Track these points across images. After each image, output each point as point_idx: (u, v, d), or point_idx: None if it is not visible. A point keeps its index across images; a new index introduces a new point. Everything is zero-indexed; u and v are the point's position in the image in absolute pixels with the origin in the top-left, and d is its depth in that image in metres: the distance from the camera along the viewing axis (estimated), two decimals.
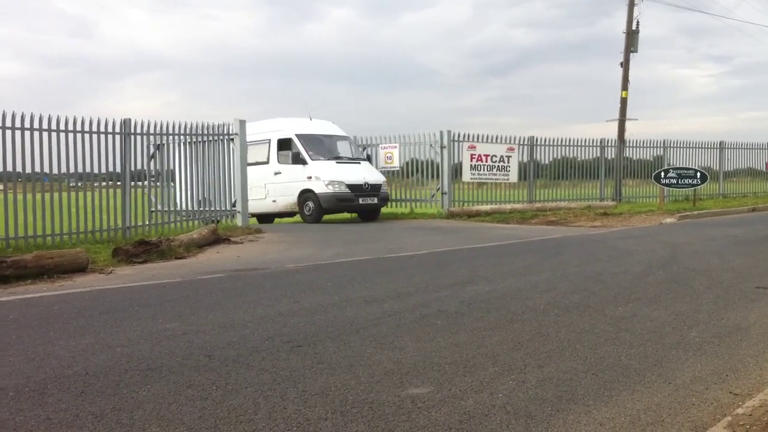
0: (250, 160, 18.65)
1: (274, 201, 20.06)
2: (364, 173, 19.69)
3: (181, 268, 9.59)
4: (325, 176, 18.99)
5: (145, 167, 14.21)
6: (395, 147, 21.73)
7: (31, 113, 11.38)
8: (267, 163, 20.17)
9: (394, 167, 21.95)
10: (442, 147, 20.82)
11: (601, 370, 4.27)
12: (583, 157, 24.06)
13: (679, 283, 7.53)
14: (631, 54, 27.19)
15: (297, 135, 19.69)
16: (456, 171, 21.24)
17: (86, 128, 12.25)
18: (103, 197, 12.68)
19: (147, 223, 13.78)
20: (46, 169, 11.93)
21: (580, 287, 7.33)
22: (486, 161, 21.22)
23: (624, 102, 27.63)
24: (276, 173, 19.93)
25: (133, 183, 13.43)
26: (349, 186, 19.01)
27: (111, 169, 12.97)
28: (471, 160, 21.06)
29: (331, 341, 5.03)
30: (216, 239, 12.88)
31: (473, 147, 21.08)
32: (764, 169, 28.80)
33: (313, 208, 19.20)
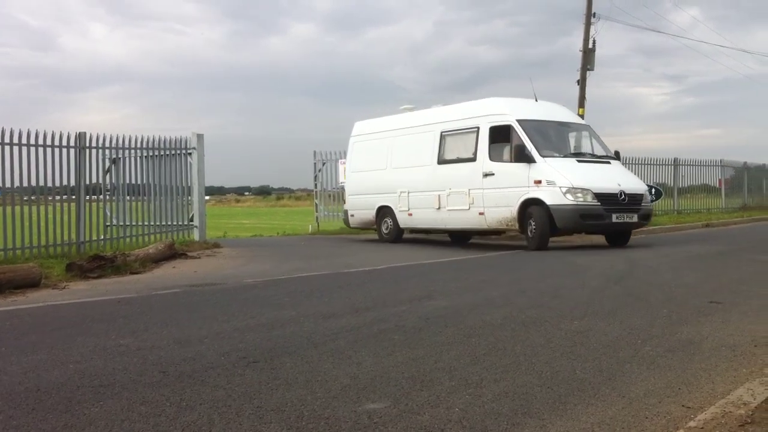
0: (448, 155, 15.59)
1: (481, 213, 14.61)
2: (618, 177, 14.22)
3: (136, 284, 9.47)
4: (561, 180, 13.40)
5: (101, 181, 14.03)
6: None
7: None
8: (473, 160, 14.83)
9: None
10: None
11: (556, 383, 4.29)
12: None
13: (634, 297, 7.63)
14: (588, 72, 27.52)
15: (519, 121, 14.25)
16: None
17: (40, 141, 12.07)
18: (57, 211, 12.48)
19: (102, 237, 13.59)
20: None
21: (536, 302, 7.39)
22: None
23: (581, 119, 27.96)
24: (486, 175, 14.46)
25: (88, 197, 13.25)
26: (598, 196, 13.41)
27: (66, 182, 12.79)
28: None
29: (288, 357, 5.00)
30: (173, 254, 12.75)
31: None
32: (717, 186, 29.37)
33: (540, 225, 13.54)
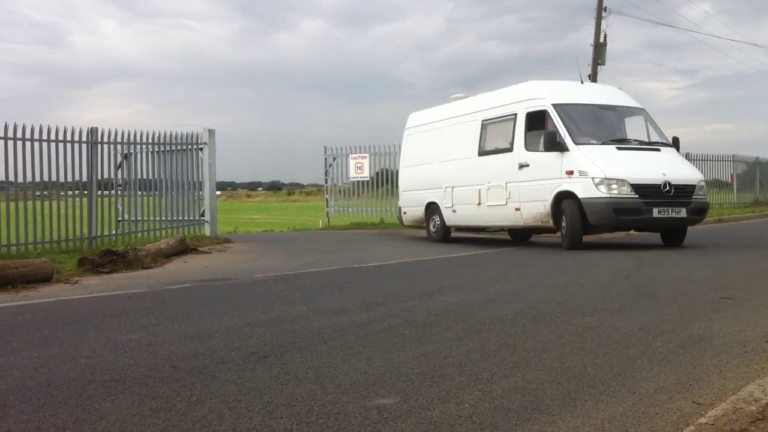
0: (488, 146, 14.51)
1: (517, 209, 13.42)
2: (666, 166, 12.60)
3: (147, 278, 9.50)
4: (594, 170, 12.06)
5: (113, 176, 14.08)
6: (365, 157, 21.74)
7: None
8: (510, 150, 13.67)
9: (364, 177, 21.95)
10: None
11: (566, 379, 4.28)
12: None
13: (644, 293, 7.60)
14: (599, 67, 27.47)
15: (555, 106, 13.00)
16: None
17: (52, 137, 12.13)
18: (69, 206, 12.54)
19: (114, 232, 13.65)
20: (12, 178, 11.79)
21: (547, 297, 7.37)
22: None
23: None
24: (522, 166, 13.27)
25: (99, 192, 13.30)
26: (636, 187, 11.98)
27: (77, 178, 12.84)
28: None
29: (298, 352, 5.01)
30: (184, 249, 12.80)
31: None
32: (729, 181, 29.24)
33: (571, 222, 12.31)
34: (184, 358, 4.88)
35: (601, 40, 27.42)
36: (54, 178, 12.42)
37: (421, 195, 16.59)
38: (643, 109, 14.11)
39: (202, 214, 16.01)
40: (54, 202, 12.43)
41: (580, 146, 12.39)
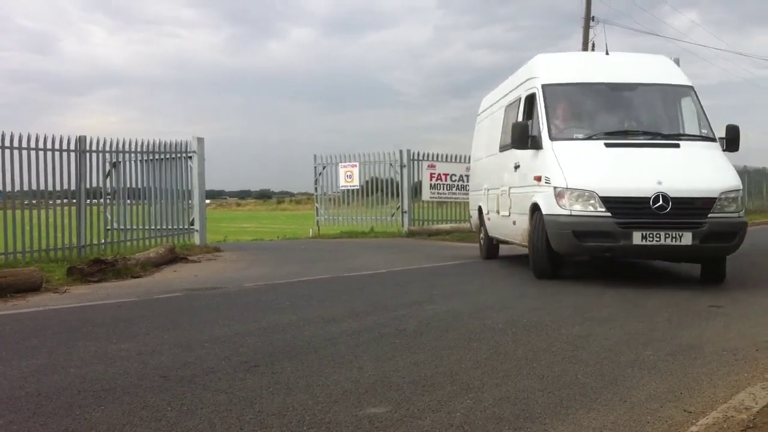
0: (504, 139, 11.41)
1: (514, 222, 10.81)
2: (670, 170, 8.93)
3: (137, 288, 9.47)
4: (557, 177, 9.02)
5: (101, 185, 14.03)
6: (355, 165, 21.73)
7: None
8: (509, 146, 10.78)
9: (354, 186, 21.93)
10: (401, 166, 20.88)
11: (557, 388, 4.29)
12: None
13: (633, 302, 7.62)
14: None
15: (545, 87, 10.06)
16: (416, 190, 21.30)
17: (40, 145, 12.07)
18: (58, 215, 12.48)
19: (103, 241, 13.58)
20: (0, 187, 11.72)
21: (536, 306, 7.39)
22: (446, 180, 21.28)
23: None
24: (516, 167, 10.59)
25: (88, 201, 13.24)
26: (608, 201, 8.62)
27: (66, 186, 12.78)
28: (431, 179, 21.12)
29: (288, 361, 5.00)
30: (173, 258, 12.75)
31: (433, 166, 21.15)
32: None
33: (536, 243, 9.41)
34: (174, 367, 4.86)
35: (589, 48, 27.58)
36: (42, 187, 12.36)
37: (473, 197, 14.46)
38: (686, 87, 10.29)
39: (192, 223, 15.96)
40: (42, 211, 12.36)
41: (554, 142, 9.44)
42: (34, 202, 12.73)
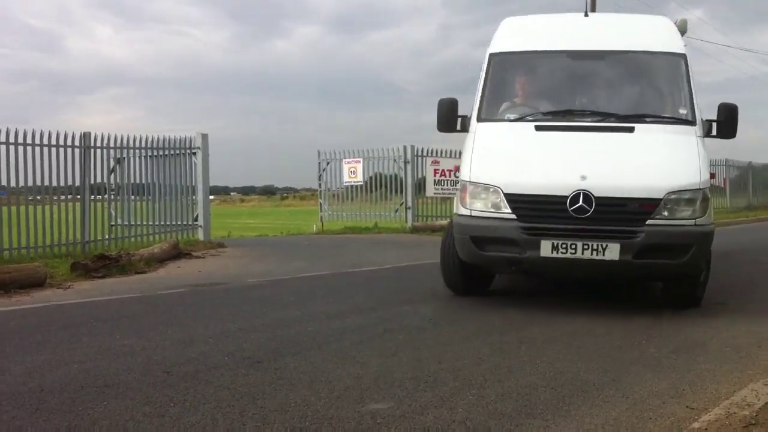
0: None
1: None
2: (606, 161, 6.96)
3: (141, 283, 9.48)
4: (464, 169, 7.40)
5: (106, 181, 14.04)
6: (359, 162, 21.71)
7: None
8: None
9: (357, 182, 21.91)
10: (405, 162, 20.84)
11: (559, 384, 4.29)
12: None
13: (637, 297, 7.61)
14: None
15: (494, 55, 8.19)
16: (420, 186, 21.26)
17: (45, 141, 12.08)
18: (62, 211, 12.49)
19: (107, 237, 13.60)
20: (5, 183, 11.75)
21: (536, 300, 7.38)
22: (450, 176, 21.22)
23: None
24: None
25: (92, 197, 13.26)
26: (513, 199, 6.82)
27: (70, 182, 12.79)
28: (435, 175, 21.06)
29: (291, 357, 5.00)
30: (177, 254, 12.75)
31: (437, 162, 21.11)
32: (721, 185, 29.32)
33: (445, 248, 7.78)
34: (177, 363, 4.86)
35: None
36: (47, 183, 12.37)
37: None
38: (671, 56, 7.98)
39: (196, 219, 15.95)
40: (47, 207, 12.38)
41: (480, 124, 7.71)
42: (38, 197, 12.75)
